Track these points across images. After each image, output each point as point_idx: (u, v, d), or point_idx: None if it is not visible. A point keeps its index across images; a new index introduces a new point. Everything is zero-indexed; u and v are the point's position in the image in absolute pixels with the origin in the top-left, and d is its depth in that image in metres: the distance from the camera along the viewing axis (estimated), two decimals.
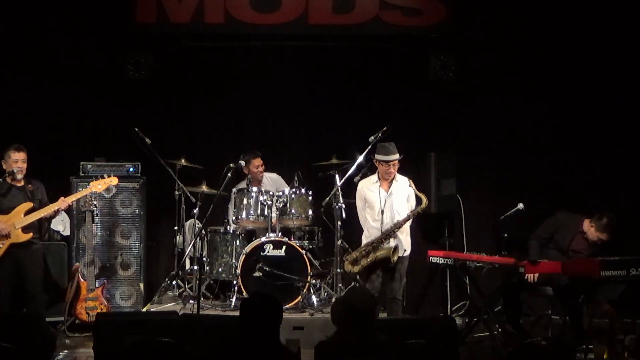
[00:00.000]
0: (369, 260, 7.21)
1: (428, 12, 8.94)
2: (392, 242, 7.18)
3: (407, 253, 7.32)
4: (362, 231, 7.47)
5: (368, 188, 7.36)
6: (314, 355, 4.56)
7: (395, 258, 7.14)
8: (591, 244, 7.31)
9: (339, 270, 7.77)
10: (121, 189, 8.25)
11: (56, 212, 7.50)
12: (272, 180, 8.59)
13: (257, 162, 8.44)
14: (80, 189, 8.04)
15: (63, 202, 7.41)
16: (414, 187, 7.25)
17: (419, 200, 7.27)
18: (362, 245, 7.32)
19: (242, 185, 8.32)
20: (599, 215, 7.30)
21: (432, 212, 8.56)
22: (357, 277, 8.07)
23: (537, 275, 6.98)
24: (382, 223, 7.21)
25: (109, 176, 7.76)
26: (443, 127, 9.08)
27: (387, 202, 7.25)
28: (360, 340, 4.46)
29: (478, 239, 8.64)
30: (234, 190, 8.19)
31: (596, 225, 7.26)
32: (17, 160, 7.29)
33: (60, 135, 8.83)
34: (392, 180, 7.29)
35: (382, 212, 7.23)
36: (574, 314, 7.13)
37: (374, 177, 7.38)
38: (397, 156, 7.23)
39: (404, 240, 7.29)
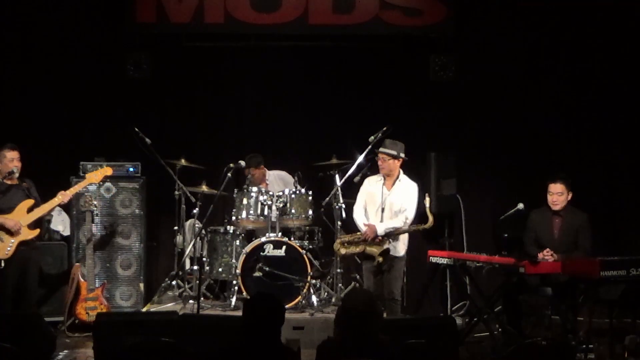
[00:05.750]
0: (357, 249, 7.29)
1: (428, 12, 8.94)
2: (386, 244, 7.19)
3: (401, 254, 7.31)
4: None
5: (372, 185, 7.42)
6: (315, 355, 4.56)
7: (380, 259, 7.13)
8: (564, 225, 7.33)
9: (339, 270, 7.78)
10: (121, 189, 8.26)
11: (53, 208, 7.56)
12: (279, 178, 8.58)
13: (252, 171, 8.30)
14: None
15: (64, 196, 7.43)
16: (428, 204, 7.23)
17: (425, 219, 7.25)
18: (359, 233, 7.34)
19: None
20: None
21: (432, 212, 8.55)
22: (357, 277, 8.11)
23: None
24: (382, 220, 7.25)
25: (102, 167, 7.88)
26: (443, 127, 9.09)
27: (387, 200, 7.28)
28: (360, 341, 4.45)
29: (478, 239, 8.64)
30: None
31: (549, 187, 7.34)
32: (13, 159, 7.30)
33: (60, 135, 8.84)
34: (396, 180, 7.32)
35: (382, 209, 7.27)
36: (568, 312, 7.12)
37: (379, 175, 7.42)
38: (388, 151, 7.24)
39: (398, 245, 7.28)
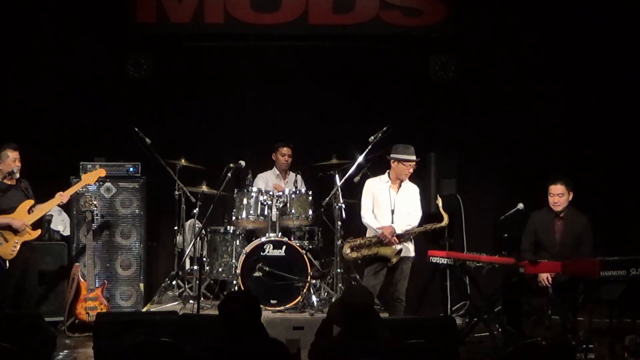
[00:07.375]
0: (370, 252, 7.26)
1: (428, 12, 8.95)
2: (399, 245, 7.21)
3: (413, 254, 7.38)
4: (362, 229, 7.47)
5: (378, 187, 7.39)
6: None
7: (395, 260, 7.16)
8: (565, 228, 7.29)
9: (339, 270, 7.78)
10: (121, 189, 8.26)
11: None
12: (295, 179, 8.57)
13: (285, 150, 8.61)
14: (79, 189, 8.05)
15: (63, 197, 7.48)
16: (440, 203, 7.32)
17: (440, 218, 7.34)
18: (370, 235, 7.34)
19: (267, 173, 8.48)
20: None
21: (432, 212, 8.57)
22: (357, 277, 8.10)
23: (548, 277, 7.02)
24: (393, 223, 7.26)
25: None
26: (443, 127, 9.09)
27: (397, 202, 7.31)
28: (360, 340, 4.45)
29: (478, 239, 8.64)
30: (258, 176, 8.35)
31: (549, 188, 7.30)
32: (15, 159, 7.31)
33: (60, 135, 8.84)
34: (401, 182, 7.35)
35: (393, 212, 7.29)
36: (568, 312, 7.12)
37: (385, 177, 7.40)
38: (414, 157, 7.30)
39: (411, 245, 7.35)
